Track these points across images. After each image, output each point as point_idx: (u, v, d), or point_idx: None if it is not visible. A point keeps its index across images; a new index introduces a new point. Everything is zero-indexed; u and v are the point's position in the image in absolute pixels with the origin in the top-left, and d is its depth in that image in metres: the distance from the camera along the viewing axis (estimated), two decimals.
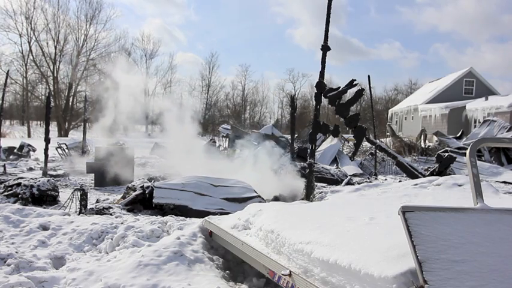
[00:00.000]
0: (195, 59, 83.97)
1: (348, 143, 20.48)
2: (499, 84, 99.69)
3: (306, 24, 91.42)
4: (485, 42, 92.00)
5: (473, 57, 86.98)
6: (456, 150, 15.50)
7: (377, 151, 14.15)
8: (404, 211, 2.23)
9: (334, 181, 11.23)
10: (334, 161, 15.77)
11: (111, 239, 4.88)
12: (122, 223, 5.34)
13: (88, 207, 6.82)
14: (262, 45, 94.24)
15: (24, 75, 41.21)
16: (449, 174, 10.17)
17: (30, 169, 12.87)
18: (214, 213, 6.04)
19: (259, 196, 7.27)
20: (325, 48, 7.70)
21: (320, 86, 7.72)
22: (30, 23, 39.61)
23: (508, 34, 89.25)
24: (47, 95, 18.62)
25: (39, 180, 7.90)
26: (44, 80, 40.91)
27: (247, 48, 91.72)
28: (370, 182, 11.32)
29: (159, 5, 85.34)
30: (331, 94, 7.75)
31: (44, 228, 5.23)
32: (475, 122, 27.19)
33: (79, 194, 6.90)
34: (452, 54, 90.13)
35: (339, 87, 7.94)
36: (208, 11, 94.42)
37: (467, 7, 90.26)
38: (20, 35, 39.53)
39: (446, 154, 12.69)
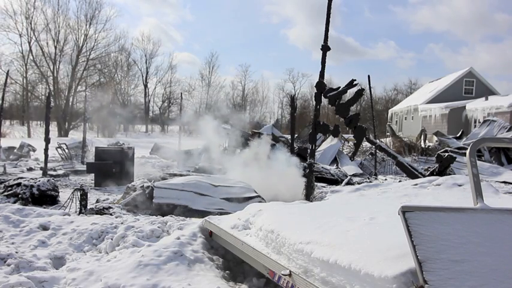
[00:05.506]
0: (192, 58, 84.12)
1: (348, 143, 20.46)
2: (495, 83, 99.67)
3: (300, 24, 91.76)
4: (479, 41, 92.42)
5: (469, 57, 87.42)
6: (456, 150, 15.48)
7: (377, 151, 14.14)
8: (404, 211, 2.22)
9: (334, 181, 11.23)
10: (334, 161, 15.77)
11: (111, 239, 4.88)
12: (122, 223, 5.34)
13: (88, 207, 6.82)
14: (259, 45, 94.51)
15: (24, 75, 41.23)
16: (449, 174, 10.17)
17: (30, 169, 12.86)
18: (214, 213, 6.04)
19: (259, 196, 7.27)
20: (325, 48, 7.70)
21: (320, 86, 7.72)
22: (30, 23, 39.66)
23: (502, 33, 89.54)
24: (47, 95, 18.62)
25: (39, 180, 7.90)
26: (44, 80, 40.91)
27: (244, 48, 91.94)
28: (370, 182, 11.32)
29: (154, 5, 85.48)
30: (331, 94, 7.74)
31: (44, 228, 5.23)
32: (475, 122, 27.18)
33: (79, 194, 6.90)
34: (447, 54, 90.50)
35: (339, 87, 7.94)
36: (203, 11, 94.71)
37: (460, 6, 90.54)
38: (20, 35, 39.60)
39: (446, 154, 12.69)
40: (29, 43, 39.91)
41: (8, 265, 4.15)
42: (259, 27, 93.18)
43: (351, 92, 8.65)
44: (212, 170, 11.76)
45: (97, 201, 7.86)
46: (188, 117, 17.27)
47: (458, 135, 22.48)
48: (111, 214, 6.42)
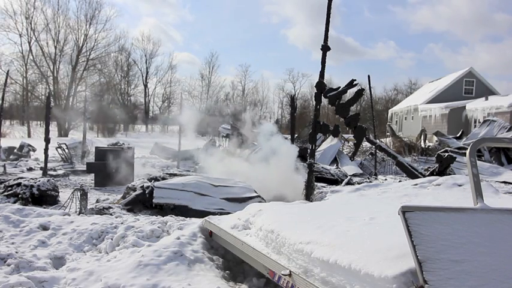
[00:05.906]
0: (192, 58, 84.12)
1: (348, 143, 20.46)
2: (495, 83, 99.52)
3: (300, 24, 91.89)
4: (479, 41, 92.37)
5: (469, 57, 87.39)
6: (456, 150, 15.48)
7: (377, 151, 14.14)
8: (404, 211, 2.22)
9: (334, 181, 11.22)
10: (334, 161, 15.77)
11: (111, 239, 4.88)
12: (122, 223, 5.34)
13: (88, 207, 6.82)
14: (259, 45, 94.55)
15: (24, 75, 41.19)
16: (449, 174, 10.17)
17: (30, 169, 12.86)
18: (214, 213, 6.05)
19: (259, 196, 7.27)
20: (325, 48, 7.70)
21: (320, 86, 7.72)
22: (30, 23, 39.62)
23: (502, 33, 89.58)
24: (47, 95, 18.62)
25: (39, 180, 7.90)
26: (44, 80, 40.87)
27: (244, 48, 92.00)
28: (370, 182, 11.31)
29: (154, 5, 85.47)
30: (331, 94, 7.74)
31: (44, 228, 5.23)
32: (475, 122, 27.18)
33: (79, 194, 6.90)
34: (447, 54, 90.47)
35: (339, 87, 7.94)
36: (203, 11, 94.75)
37: (460, 6, 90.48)
38: (20, 35, 39.55)
39: (446, 154, 12.69)
40: (29, 43, 39.92)
41: (8, 265, 4.15)
42: (259, 27, 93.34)
43: (351, 92, 8.65)
44: (202, 169, 11.77)
45: (97, 201, 7.87)
46: (174, 116, 17.37)
47: (458, 135, 22.48)
48: (111, 214, 6.43)
